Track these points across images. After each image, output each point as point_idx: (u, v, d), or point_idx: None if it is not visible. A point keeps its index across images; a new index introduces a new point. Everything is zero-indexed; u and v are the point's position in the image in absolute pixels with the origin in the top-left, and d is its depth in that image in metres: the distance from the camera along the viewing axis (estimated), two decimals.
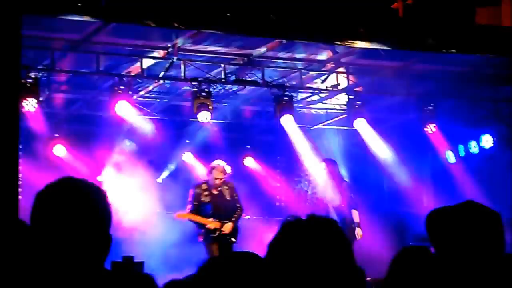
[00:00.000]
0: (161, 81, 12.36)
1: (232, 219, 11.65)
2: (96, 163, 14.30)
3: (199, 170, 14.13)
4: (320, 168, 12.70)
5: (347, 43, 10.01)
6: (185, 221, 11.88)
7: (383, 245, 12.30)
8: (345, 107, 13.69)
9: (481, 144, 13.82)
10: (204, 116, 12.25)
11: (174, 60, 11.56)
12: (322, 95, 13.98)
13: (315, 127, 15.24)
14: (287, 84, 12.87)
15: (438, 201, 11.89)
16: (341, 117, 14.55)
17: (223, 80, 12.23)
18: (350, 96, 13.28)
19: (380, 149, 14.08)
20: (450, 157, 14.53)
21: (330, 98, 14.28)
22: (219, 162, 11.92)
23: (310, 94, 13.96)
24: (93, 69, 11.50)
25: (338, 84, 13.02)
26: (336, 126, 15.17)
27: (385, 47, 10.38)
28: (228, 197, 11.74)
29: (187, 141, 15.06)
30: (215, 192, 11.68)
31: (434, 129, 13.48)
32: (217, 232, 11.57)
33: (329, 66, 12.71)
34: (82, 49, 11.31)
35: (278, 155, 16.00)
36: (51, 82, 12.50)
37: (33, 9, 8.32)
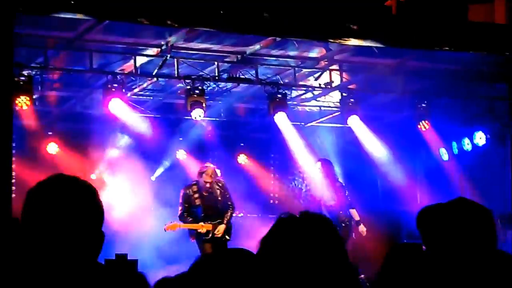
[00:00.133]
0: (155, 79, 12.34)
1: (225, 219, 11.68)
2: (89, 161, 14.30)
3: (193, 168, 14.13)
4: (315, 167, 12.72)
5: (340, 40, 10.01)
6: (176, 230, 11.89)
7: (377, 243, 12.31)
8: (338, 104, 13.69)
9: (475, 142, 13.83)
10: (197, 114, 12.24)
11: (168, 58, 11.54)
12: (315, 92, 13.98)
13: (309, 124, 15.24)
14: (281, 82, 12.87)
15: (432, 198, 11.91)
16: (334, 114, 14.55)
17: (216, 78, 12.22)
18: (343, 94, 13.29)
19: (374, 146, 14.08)
20: (444, 154, 14.55)
21: (324, 96, 14.28)
22: (208, 165, 11.94)
23: (304, 91, 13.95)
24: (86, 67, 11.47)
25: (332, 82, 13.02)
26: (329, 123, 15.17)
27: (378, 45, 10.38)
28: (219, 197, 11.76)
29: (181, 138, 15.05)
30: (205, 194, 11.69)
31: (427, 127, 13.50)
32: (210, 235, 11.60)
33: (323, 63, 12.71)
34: (76, 47, 11.28)
35: (272, 152, 16.01)
36: (44, 80, 12.48)
37: (26, 7, 8.31)
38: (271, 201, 15.90)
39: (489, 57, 11.29)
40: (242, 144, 15.76)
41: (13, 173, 10.40)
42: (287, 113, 12.83)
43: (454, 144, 14.33)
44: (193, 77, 12.13)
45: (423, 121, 13.43)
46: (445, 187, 14.10)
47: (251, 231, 11.78)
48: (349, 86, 13.32)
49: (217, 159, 14.29)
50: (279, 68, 12.82)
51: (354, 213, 12.18)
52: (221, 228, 11.63)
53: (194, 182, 11.82)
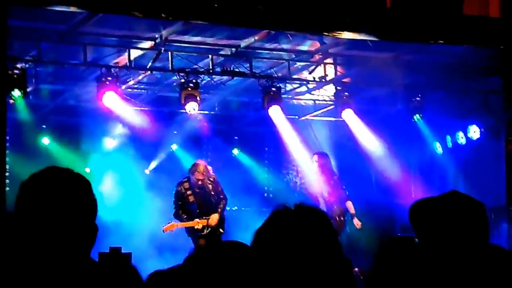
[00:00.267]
0: (149, 72, 12.31)
1: (218, 210, 11.68)
2: (83, 154, 14.28)
3: (187, 161, 14.14)
4: (312, 160, 12.72)
5: (334, 34, 10.00)
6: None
7: (371, 236, 12.33)
8: (333, 98, 13.68)
9: (469, 135, 13.84)
10: (191, 107, 12.20)
11: (162, 51, 11.52)
12: (310, 86, 13.97)
13: (303, 118, 15.24)
14: (275, 75, 12.86)
15: (426, 192, 11.92)
16: (329, 108, 14.55)
17: (210, 71, 12.20)
18: (337, 87, 13.28)
19: (368, 140, 14.09)
20: (438, 148, 14.56)
21: (318, 89, 14.27)
22: (200, 162, 11.92)
23: (298, 85, 13.94)
24: (80, 60, 11.44)
25: (326, 75, 13.01)
26: (324, 117, 15.17)
27: (372, 38, 10.37)
28: (212, 191, 11.74)
29: (175, 132, 15.04)
30: (197, 190, 11.68)
31: (421, 120, 13.52)
32: (205, 230, 11.60)
33: (317, 57, 12.70)
34: (69, 40, 11.25)
35: (266, 146, 16.01)
36: (38, 73, 12.44)
37: None
38: (266, 195, 15.92)
39: (483, 50, 11.30)
40: (236, 138, 15.76)
41: (7, 166, 10.39)
42: (281, 106, 12.82)
43: (448, 137, 14.34)
44: (187, 70, 12.10)
45: (417, 115, 13.44)
46: (439, 181, 14.12)
47: (245, 224, 11.79)
48: (343, 80, 13.31)
49: (211, 152, 14.29)
50: (273, 61, 12.81)
51: (350, 206, 12.19)
52: (215, 217, 11.62)
53: (185, 179, 11.79)
